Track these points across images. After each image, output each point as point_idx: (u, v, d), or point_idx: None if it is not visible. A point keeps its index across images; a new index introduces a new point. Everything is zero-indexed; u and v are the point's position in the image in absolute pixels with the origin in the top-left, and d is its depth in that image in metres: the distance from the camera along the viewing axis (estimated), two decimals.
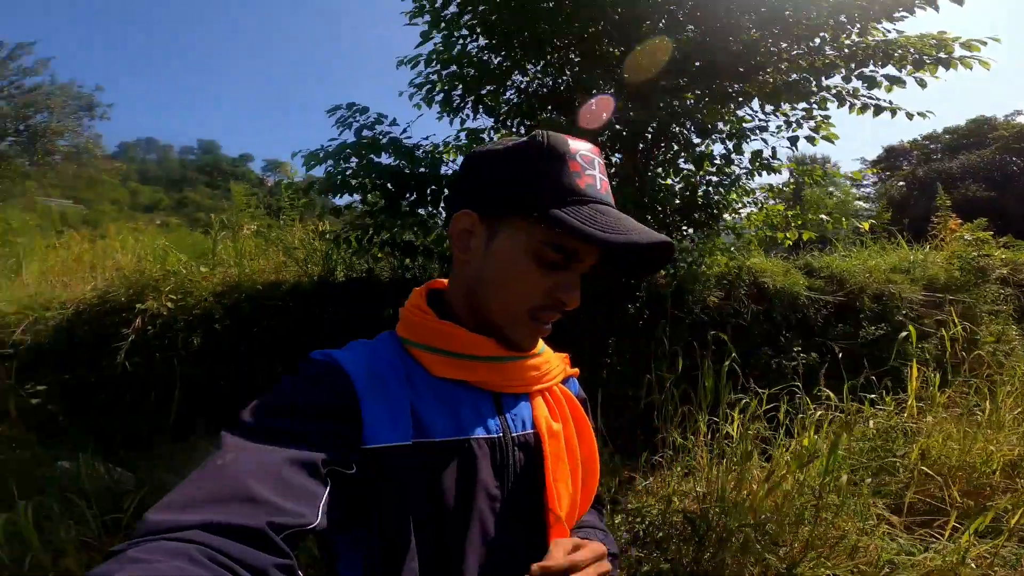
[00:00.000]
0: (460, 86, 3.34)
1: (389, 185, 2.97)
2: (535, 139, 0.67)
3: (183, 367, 3.48)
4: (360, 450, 0.61)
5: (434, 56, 3.34)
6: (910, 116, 3.01)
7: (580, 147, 0.68)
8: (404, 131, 3.12)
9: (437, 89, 3.41)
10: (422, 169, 2.90)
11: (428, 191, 2.96)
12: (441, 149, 3.22)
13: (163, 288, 3.82)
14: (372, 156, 2.93)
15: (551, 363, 0.77)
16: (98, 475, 2.89)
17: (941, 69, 2.84)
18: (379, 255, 3.57)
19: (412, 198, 2.99)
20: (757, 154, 3.46)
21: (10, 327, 3.91)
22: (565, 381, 0.82)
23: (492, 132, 3.47)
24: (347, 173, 2.91)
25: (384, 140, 2.94)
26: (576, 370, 0.84)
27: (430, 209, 3.15)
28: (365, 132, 2.95)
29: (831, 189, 12.69)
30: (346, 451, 0.59)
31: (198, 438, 3.31)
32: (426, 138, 3.32)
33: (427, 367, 0.68)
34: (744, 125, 3.48)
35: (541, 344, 0.77)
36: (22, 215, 5.68)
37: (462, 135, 3.42)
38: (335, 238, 3.55)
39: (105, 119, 9.47)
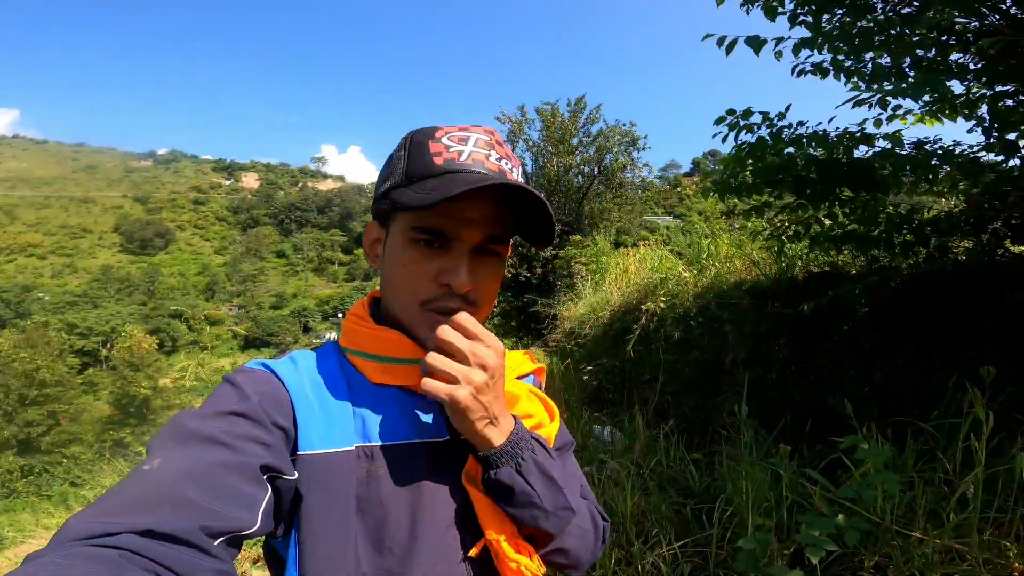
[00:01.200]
0: None
1: (807, 176, 2.81)
2: (403, 138, 0.70)
3: (666, 355, 4.28)
4: (294, 457, 0.61)
5: None
6: None
7: (450, 129, 0.68)
8: (800, 123, 2.84)
9: None
10: (836, 156, 2.60)
11: (849, 177, 2.62)
12: (856, 132, 2.73)
13: (659, 292, 4.77)
14: (787, 151, 2.85)
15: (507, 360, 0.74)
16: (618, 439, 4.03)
17: None
18: (830, 250, 3.31)
19: (832, 187, 2.70)
20: None
21: (584, 324, 5.80)
22: (525, 378, 0.80)
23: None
24: (754, 173, 2.94)
25: (785, 135, 2.80)
26: (541, 365, 0.83)
27: (863, 195, 2.73)
28: (760, 131, 2.89)
29: None
30: (284, 457, 0.59)
31: (678, 410, 4.01)
32: (818, 124, 2.85)
33: (366, 374, 0.69)
34: None
35: None
36: (603, 239, 7.97)
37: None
38: (769, 236, 3.54)
39: (646, 149, 11.68)
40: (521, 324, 10.57)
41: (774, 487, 1.82)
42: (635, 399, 4.42)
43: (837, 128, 2.75)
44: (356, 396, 0.66)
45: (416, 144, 0.67)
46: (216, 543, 0.48)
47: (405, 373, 0.68)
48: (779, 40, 2.40)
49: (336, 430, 0.63)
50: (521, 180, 0.68)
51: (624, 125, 11.43)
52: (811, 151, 2.81)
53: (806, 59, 2.60)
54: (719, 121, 2.84)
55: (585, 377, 4.88)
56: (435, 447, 0.67)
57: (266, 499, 0.54)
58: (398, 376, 0.68)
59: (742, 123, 2.80)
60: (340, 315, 68.68)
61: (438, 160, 0.64)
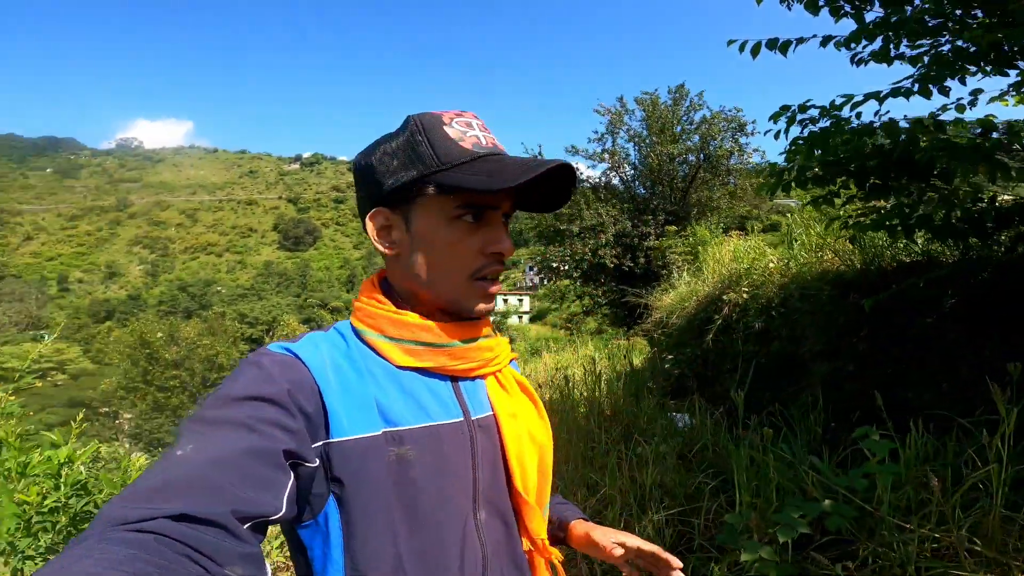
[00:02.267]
0: None
1: (869, 166, 2.76)
2: (409, 124, 0.70)
3: (747, 346, 4.29)
4: (326, 443, 0.62)
5: None
6: None
7: (451, 115, 0.71)
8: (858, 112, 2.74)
9: None
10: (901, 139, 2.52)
11: (913, 166, 2.53)
12: (925, 121, 2.59)
13: (742, 282, 4.76)
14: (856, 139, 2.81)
15: (501, 345, 0.79)
16: (695, 426, 4.15)
17: None
18: (900, 238, 3.17)
19: (898, 176, 2.62)
20: None
21: (672, 314, 5.87)
22: (512, 362, 0.84)
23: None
24: (821, 165, 2.91)
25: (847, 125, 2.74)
26: (515, 353, 0.87)
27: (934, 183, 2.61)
28: (822, 123, 2.84)
29: None
30: (307, 444, 0.60)
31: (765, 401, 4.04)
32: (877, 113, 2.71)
33: (387, 357, 0.70)
34: None
35: (489, 327, 0.80)
36: (703, 228, 7.85)
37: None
38: (842, 227, 3.44)
39: (755, 134, 10.98)
40: (618, 314, 10.68)
41: (784, 472, 1.95)
42: (717, 389, 4.48)
43: (904, 116, 2.68)
44: (376, 379, 0.68)
45: (431, 130, 0.68)
46: (245, 527, 0.50)
47: (426, 355, 0.70)
48: (799, 40, 2.41)
49: (361, 415, 0.64)
50: None
51: (729, 111, 10.93)
52: (880, 140, 2.76)
53: (864, 47, 2.56)
54: (775, 117, 2.87)
55: (667, 366, 5.00)
56: (453, 428, 0.70)
57: (290, 485, 0.56)
58: (420, 358, 0.70)
59: (799, 117, 2.81)
60: None
61: (465, 144, 0.68)
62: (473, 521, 0.69)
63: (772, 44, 2.34)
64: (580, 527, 0.89)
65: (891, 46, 2.39)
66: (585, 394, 4.08)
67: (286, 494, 0.55)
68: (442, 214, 0.69)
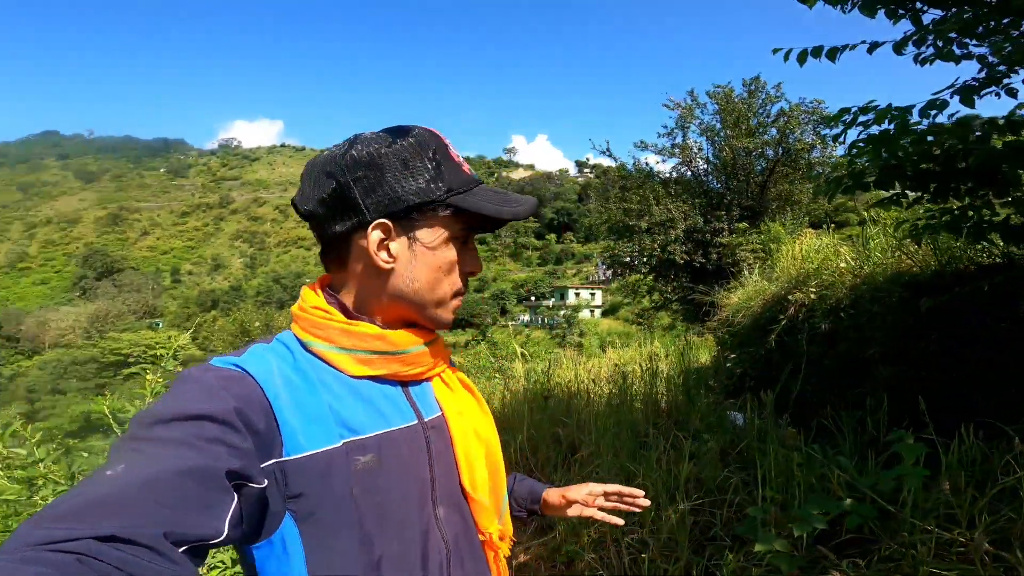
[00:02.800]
0: None
1: (931, 169, 2.71)
2: (424, 139, 0.70)
3: (812, 347, 4.24)
4: (280, 462, 0.60)
5: None
6: None
7: (438, 134, 0.73)
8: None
9: None
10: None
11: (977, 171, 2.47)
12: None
13: (810, 282, 4.68)
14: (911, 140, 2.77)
15: (441, 346, 0.80)
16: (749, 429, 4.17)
17: None
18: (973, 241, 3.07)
19: (960, 181, 2.56)
20: None
21: (738, 313, 5.82)
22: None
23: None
24: (881, 169, 2.87)
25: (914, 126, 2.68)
26: (450, 349, 0.88)
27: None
28: (885, 126, 2.79)
29: None
30: (255, 463, 0.57)
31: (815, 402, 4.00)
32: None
33: (339, 367, 0.69)
34: None
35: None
36: (779, 226, 7.65)
37: None
38: (912, 230, 3.34)
39: (839, 124, 10.32)
40: (689, 310, 10.53)
41: (815, 470, 2.04)
42: (778, 390, 4.46)
43: (977, 116, 2.62)
44: (329, 390, 0.67)
45: (443, 150, 0.71)
46: (180, 551, 0.47)
47: (380, 363, 0.71)
48: (848, 47, 2.39)
49: (317, 428, 0.63)
50: None
51: (809, 103, 10.41)
52: (948, 141, 2.71)
53: (928, 45, 2.52)
54: (834, 119, 2.87)
55: (728, 364, 5.01)
56: (409, 431, 0.71)
57: (232, 506, 0.53)
58: (374, 366, 0.71)
59: (861, 119, 2.80)
60: (533, 298, 72.46)
61: (465, 169, 0.73)
62: (434, 518, 0.72)
63: (818, 52, 2.36)
64: (552, 494, 1.00)
65: (954, 46, 2.36)
66: (643, 390, 4.21)
67: (228, 516, 0.52)
68: (447, 234, 0.72)
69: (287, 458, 0.61)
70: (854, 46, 2.38)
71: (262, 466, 0.59)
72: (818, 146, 10.38)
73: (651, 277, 11.97)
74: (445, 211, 0.70)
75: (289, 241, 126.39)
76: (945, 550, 1.66)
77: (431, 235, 0.71)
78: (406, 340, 0.73)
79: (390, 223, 0.70)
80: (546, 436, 3.40)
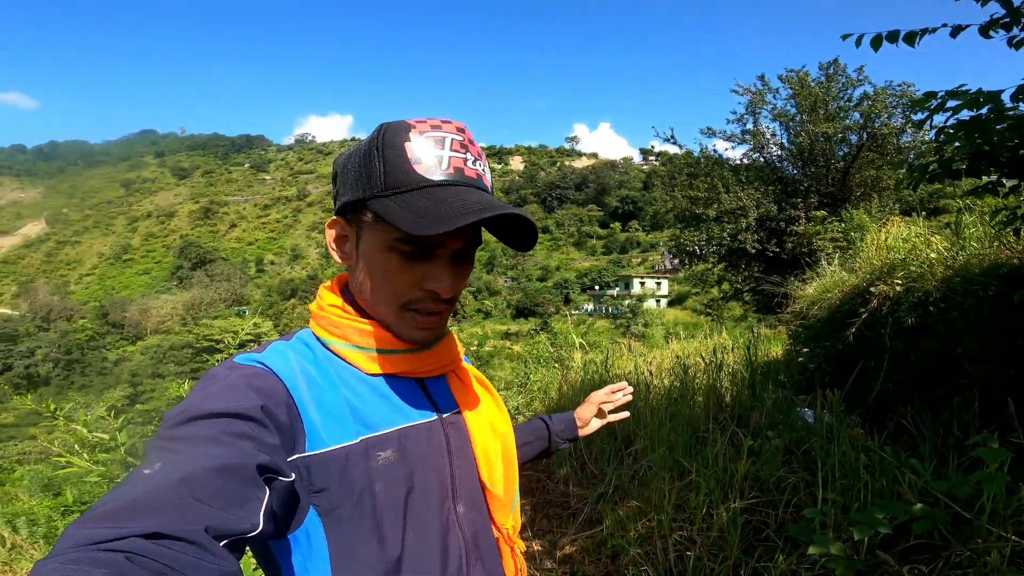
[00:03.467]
0: None
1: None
2: (375, 134, 0.66)
3: (893, 341, 3.95)
4: (304, 456, 0.61)
5: None
6: None
7: (426, 126, 0.66)
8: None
9: None
10: None
11: None
12: None
13: (896, 274, 4.35)
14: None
15: (455, 343, 0.80)
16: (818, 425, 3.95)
17: None
18: None
19: None
20: None
21: (814, 305, 5.49)
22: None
23: None
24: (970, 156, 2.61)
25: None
26: (463, 346, 0.88)
27: None
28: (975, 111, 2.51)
29: None
30: (282, 457, 0.58)
31: (897, 401, 3.73)
32: None
33: (355, 365, 0.70)
34: None
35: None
36: (863, 214, 7.15)
37: None
38: (1010, 219, 3.01)
39: (924, 110, 9.43)
40: (761, 301, 10.06)
41: (887, 472, 1.90)
42: (858, 388, 4.18)
43: None
44: (348, 387, 0.68)
45: (389, 146, 0.64)
46: (221, 545, 0.48)
47: (395, 361, 0.71)
48: (928, 30, 2.18)
49: (337, 425, 0.64)
50: (490, 178, 0.71)
51: (897, 86, 9.60)
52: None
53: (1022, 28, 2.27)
54: (919, 104, 2.64)
55: (800, 359, 4.75)
56: (428, 427, 0.72)
57: (265, 500, 0.54)
58: (389, 365, 0.71)
59: (949, 103, 2.56)
60: (597, 287, 71.58)
61: (419, 169, 0.64)
62: (454, 514, 0.72)
63: (894, 36, 2.18)
64: (582, 413, 1.20)
65: None
66: (706, 383, 4.08)
67: (262, 510, 0.53)
68: (381, 241, 0.67)
69: (309, 453, 0.62)
70: (935, 29, 2.19)
71: (288, 460, 0.60)
72: (909, 130, 9.58)
73: (720, 266, 11.52)
74: (367, 215, 0.67)
75: None
76: (1021, 559, 1.52)
77: (368, 239, 0.68)
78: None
79: (342, 221, 0.71)
80: (600, 428, 3.37)
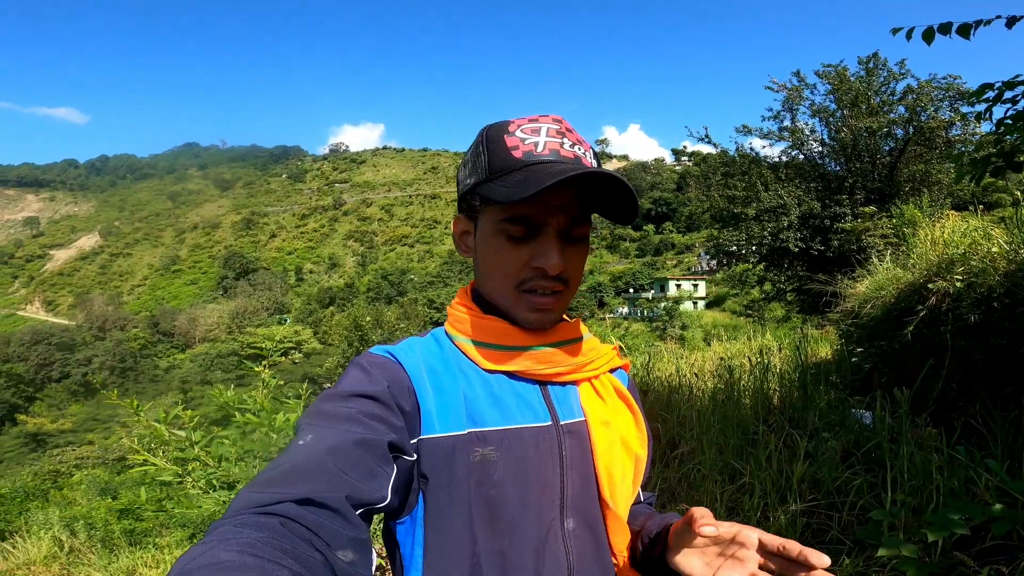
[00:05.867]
0: None
1: None
2: (479, 134, 0.72)
3: (955, 339, 3.77)
4: (419, 440, 0.65)
5: None
6: None
7: (523, 121, 0.70)
8: None
9: None
10: None
11: None
12: None
13: (955, 269, 4.15)
14: None
15: (597, 351, 0.79)
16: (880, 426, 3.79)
17: None
18: None
19: None
20: None
21: (866, 304, 5.28)
22: (614, 372, 0.82)
23: None
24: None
25: None
26: (627, 361, 0.86)
27: None
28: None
29: None
30: (406, 438, 0.63)
31: (965, 401, 3.55)
32: None
33: (475, 361, 0.72)
34: None
35: (585, 331, 0.80)
36: (915, 209, 6.86)
37: None
38: None
39: (981, 102, 8.98)
40: (805, 301, 9.76)
41: (959, 473, 1.79)
42: (918, 387, 3.99)
43: None
44: (465, 381, 0.70)
45: (492, 140, 0.69)
46: (356, 513, 0.53)
47: (511, 359, 0.72)
48: (983, 22, 2.07)
49: (450, 414, 0.67)
50: (594, 163, 0.71)
51: (942, 79, 9.24)
52: None
53: None
54: (975, 95, 2.53)
55: (854, 359, 4.58)
56: (539, 431, 0.70)
57: (393, 475, 0.59)
58: (505, 362, 0.72)
59: (1007, 94, 2.44)
60: (632, 290, 70.73)
61: (516, 153, 0.67)
62: (560, 529, 0.68)
63: (946, 28, 2.09)
64: (678, 523, 0.69)
65: None
66: (752, 385, 3.97)
67: (391, 484, 0.58)
68: (490, 225, 0.70)
69: (423, 437, 0.66)
70: (989, 21, 2.10)
71: (411, 442, 0.64)
72: (958, 123, 9.19)
73: (761, 266, 11.24)
74: (476, 202, 0.71)
75: (395, 239, 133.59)
76: None
77: (482, 227, 0.72)
78: (534, 337, 0.73)
79: (463, 217, 0.76)
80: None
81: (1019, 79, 2.39)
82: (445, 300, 77.29)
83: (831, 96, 10.32)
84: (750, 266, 11.76)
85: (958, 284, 4.01)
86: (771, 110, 11.01)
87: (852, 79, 10.03)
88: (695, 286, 62.23)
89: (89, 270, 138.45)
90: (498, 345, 0.72)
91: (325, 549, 0.48)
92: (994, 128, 2.49)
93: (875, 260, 6.44)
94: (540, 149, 0.67)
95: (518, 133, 0.69)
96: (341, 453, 0.55)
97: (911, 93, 9.60)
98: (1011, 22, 2.14)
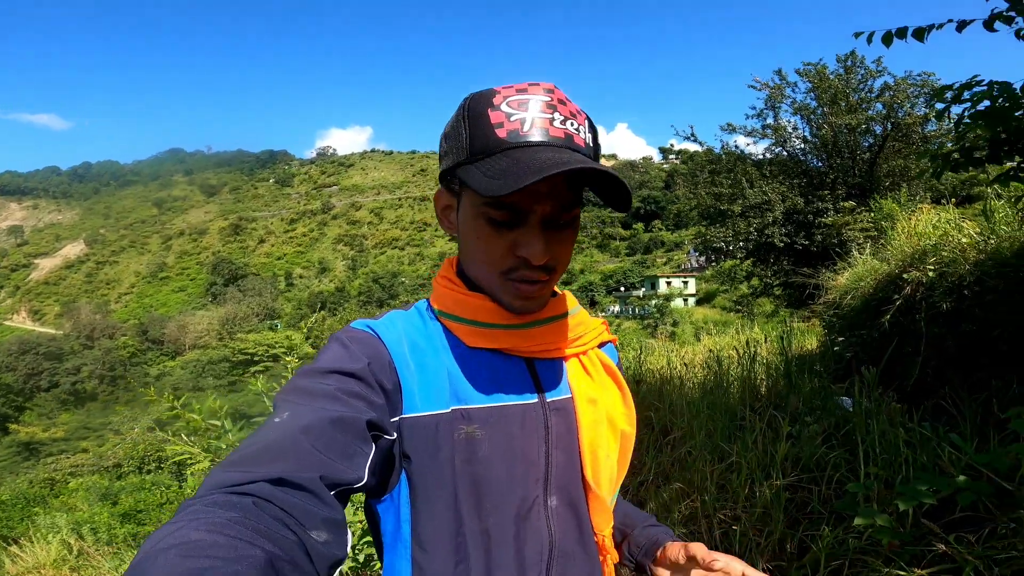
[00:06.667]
0: None
1: None
2: (461, 104, 0.66)
3: (929, 326, 3.98)
4: (401, 418, 0.64)
5: None
6: None
7: (510, 91, 0.64)
8: None
9: None
10: None
11: None
12: None
13: (928, 259, 4.37)
14: None
15: (585, 325, 0.77)
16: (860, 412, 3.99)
17: None
18: None
19: None
20: None
21: (846, 295, 5.50)
22: (603, 347, 0.81)
23: None
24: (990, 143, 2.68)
25: None
26: (615, 336, 0.84)
27: None
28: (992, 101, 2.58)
29: None
30: (386, 416, 0.62)
31: (936, 385, 3.75)
32: None
33: (460, 337, 0.70)
34: None
35: (574, 304, 0.77)
36: (892, 203, 7.08)
37: None
38: None
39: (941, 102, 9.35)
40: (792, 295, 10.02)
41: (928, 448, 1.97)
42: (896, 373, 4.20)
43: None
44: (449, 358, 0.69)
45: (475, 114, 0.64)
46: (331, 493, 0.52)
47: (497, 336, 0.70)
48: (936, 26, 2.27)
49: (433, 392, 0.65)
50: (588, 137, 0.66)
51: (917, 76, 9.56)
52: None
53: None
54: (937, 95, 2.72)
55: (836, 348, 4.79)
56: (524, 408, 0.69)
57: (371, 455, 0.58)
58: (490, 340, 0.70)
59: (965, 95, 2.64)
60: (623, 288, 71.16)
61: (500, 132, 0.62)
62: (543, 507, 0.68)
63: (903, 33, 2.28)
64: (672, 548, 0.75)
65: None
66: (740, 374, 4.16)
67: (367, 463, 0.57)
68: (472, 208, 0.66)
69: (405, 416, 0.65)
70: (941, 25, 2.29)
71: (391, 420, 0.63)
72: (933, 119, 9.52)
73: (748, 262, 11.50)
74: (456, 184, 0.68)
75: (385, 242, 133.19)
76: None
77: (463, 207, 0.68)
78: (516, 316, 0.71)
79: (445, 191, 0.72)
80: (638, 420, 3.49)
81: (976, 80, 2.58)
82: None
83: (812, 94, 10.61)
84: (737, 262, 12.01)
85: (931, 274, 4.23)
86: (755, 108, 11.33)
87: (831, 77, 10.32)
88: (685, 283, 62.75)
89: (75, 279, 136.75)
90: (480, 323, 0.70)
91: (299, 529, 0.47)
92: (955, 126, 2.69)
93: (855, 253, 6.67)
94: (527, 128, 0.62)
95: (503, 107, 0.63)
96: (316, 432, 0.54)
97: (888, 90, 9.90)
98: (961, 26, 2.33)
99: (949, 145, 3.06)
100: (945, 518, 1.82)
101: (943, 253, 4.22)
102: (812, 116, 10.49)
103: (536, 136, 0.62)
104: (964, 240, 4.15)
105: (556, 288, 0.77)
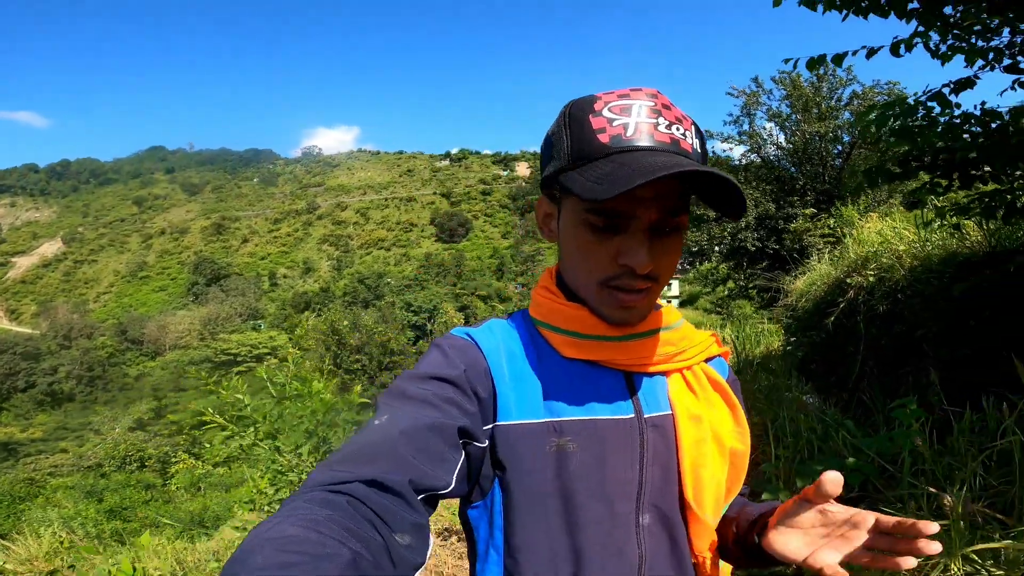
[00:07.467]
0: None
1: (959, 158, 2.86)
2: (563, 111, 0.66)
3: (868, 328, 4.34)
4: (495, 426, 0.64)
5: None
6: None
7: (612, 96, 0.63)
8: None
9: None
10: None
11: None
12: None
13: (869, 265, 4.75)
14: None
15: (690, 339, 0.74)
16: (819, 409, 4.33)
17: None
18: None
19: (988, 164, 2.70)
20: None
21: (802, 298, 5.87)
22: (711, 361, 0.78)
23: None
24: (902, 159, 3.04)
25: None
26: (726, 349, 0.80)
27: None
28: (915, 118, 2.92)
29: None
30: (479, 424, 0.62)
31: (871, 382, 4.12)
32: None
33: (557, 348, 0.69)
34: None
35: (677, 318, 0.75)
36: (852, 211, 7.49)
37: None
38: (950, 212, 3.42)
39: (876, 123, 9.94)
40: (764, 297, 10.44)
41: (832, 435, 2.31)
42: (841, 372, 4.56)
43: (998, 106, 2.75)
44: (545, 369, 0.68)
45: (575, 120, 0.64)
46: (419, 498, 0.54)
47: (594, 348, 0.69)
48: (851, 52, 2.59)
49: (527, 401, 0.65)
50: (696, 143, 0.65)
51: (884, 85, 10.04)
52: (973, 129, 2.86)
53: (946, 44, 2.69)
54: (863, 116, 3.06)
55: (788, 348, 5.14)
56: (618, 424, 0.67)
57: (460, 462, 0.59)
58: (587, 351, 0.69)
59: (888, 113, 2.98)
60: None
61: (603, 138, 0.61)
62: (635, 524, 0.67)
63: (822, 60, 2.60)
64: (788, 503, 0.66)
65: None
66: None
67: (456, 471, 0.58)
68: (573, 215, 0.66)
69: (499, 423, 0.65)
70: (856, 52, 2.61)
71: (484, 428, 0.64)
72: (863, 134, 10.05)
73: (724, 265, 11.91)
74: (556, 189, 0.68)
75: (371, 243, 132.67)
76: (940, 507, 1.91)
77: (565, 214, 0.68)
78: (615, 328, 0.69)
79: (545, 199, 0.72)
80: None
81: (898, 98, 2.91)
82: (422, 303, 77.30)
83: (786, 101, 11.05)
84: (714, 265, 12.42)
85: (871, 279, 4.61)
86: (731, 115, 11.74)
87: (804, 85, 10.76)
88: (669, 285, 63.32)
89: (52, 277, 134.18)
90: (579, 334, 0.69)
91: (385, 531, 0.48)
92: (875, 143, 3.02)
93: (815, 258, 7.07)
94: (630, 132, 0.61)
95: (605, 112, 0.62)
96: (412, 436, 0.56)
97: (856, 99, 10.35)
98: (870, 53, 2.66)
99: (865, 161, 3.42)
100: (845, 497, 2.14)
101: (883, 259, 4.60)
102: (786, 123, 10.94)
103: (641, 141, 0.61)
104: (902, 248, 4.53)
105: (660, 301, 0.75)
